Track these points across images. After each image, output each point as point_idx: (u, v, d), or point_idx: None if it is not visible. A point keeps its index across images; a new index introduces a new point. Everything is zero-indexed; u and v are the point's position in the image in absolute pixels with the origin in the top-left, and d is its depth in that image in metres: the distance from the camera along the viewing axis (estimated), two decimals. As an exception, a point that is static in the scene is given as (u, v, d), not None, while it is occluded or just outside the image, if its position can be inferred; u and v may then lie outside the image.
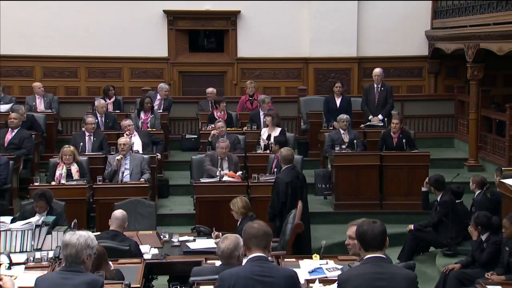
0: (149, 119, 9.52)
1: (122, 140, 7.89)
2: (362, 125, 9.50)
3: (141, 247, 5.39)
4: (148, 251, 5.47)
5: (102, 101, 9.60)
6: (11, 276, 4.20)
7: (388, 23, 11.72)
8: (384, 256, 3.36)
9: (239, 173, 7.72)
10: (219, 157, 7.89)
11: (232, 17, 11.73)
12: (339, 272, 4.42)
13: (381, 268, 3.31)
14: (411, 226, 6.99)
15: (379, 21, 11.72)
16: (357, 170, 8.31)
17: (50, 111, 9.93)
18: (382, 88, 9.61)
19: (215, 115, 9.57)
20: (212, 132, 8.78)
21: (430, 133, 11.05)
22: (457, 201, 7.03)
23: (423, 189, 7.32)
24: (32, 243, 5.39)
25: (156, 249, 5.58)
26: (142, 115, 9.54)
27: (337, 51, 11.62)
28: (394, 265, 3.63)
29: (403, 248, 6.94)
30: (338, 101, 9.68)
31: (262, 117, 9.49)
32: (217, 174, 7.55)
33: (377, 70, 9.69)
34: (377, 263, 3.31)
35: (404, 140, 8.47)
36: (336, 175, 8.38)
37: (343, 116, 8.76)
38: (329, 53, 11.63)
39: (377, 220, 3.41)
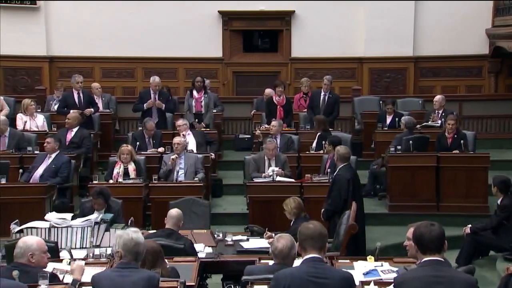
0: (202, 98, 9.62)
1: (177, 139, 8.00)
2: (418, 126, 9.31)
3: (195, 245, 5.44)
4: (202, 250, 5.51)
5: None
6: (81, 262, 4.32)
7: (446, 22, 11.47)
8: (443, 260, 3.28)
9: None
10: (266, 158, 7.91)
11: (286, 17, 11.73)
12: (394, 274, 4.33)
13: (439, 271, 3.23)
14: (468, 228, 6.79)
15: (437, 20, 11.49)
16: (413, 171, 8.15)
17: (108, 111, 10.17)
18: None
19: (274, 99, 9.56)
20: (256, 132, 8.80)
21: (490, 134, 10.72)
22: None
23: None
24: (91, 240, 5.51)
25: (210, 248, 5.62)
26: (195, 93, 9.65)
27: (393, 50, 11.45)
28: (453, 269, 3.54)
29: (461, 251, 6.75)
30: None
31: (322, 97, 9.59)
32: (269, 174, 7.56)
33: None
34: (435, 266, 3.24)
35: (462, 141, 8.26)
36: (391, 176, 8.25)
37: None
38: (384, 52, 11.47)
39: (435, 223, 3.33)
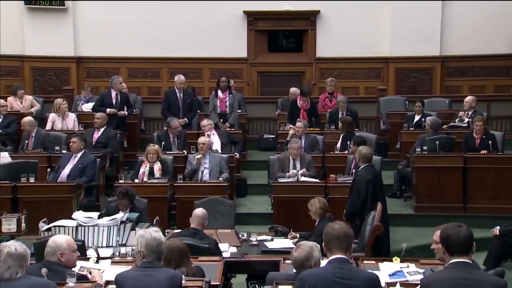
0: (227, 98, 9.64)
1: (202, 139, 8.03)
2: (445, 126, 9.21)
3: (220, 245, 5.45)
4: (227, 250, 5.52)
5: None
6: (99, 270, 4.37)
7: (474, 21, 11.33)
8: (471, 262, 3.24)
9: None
10: (291, 158, 7.89)
11: (311, 17, 11.71)
12: (420, 276, 4.29)
13: (466, 273, 3.19)
14: (497, 230, 6.68)
15: (464, 19, 11.36)
16: (439, 171, 8.07)
17: (134, 110, 10.24)
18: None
19: (298, 103, 9.55)
20: (290, 131, 8.78)
21: (519, 134, 10.55)
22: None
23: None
24: (117, 239, 5.54)
25: (235, 248, 5.61)
26: (220, 93, 9.68)
27: (419, 50, 11.35)
28: (481, 271, 3.49)
29: (489, 253, 6.65)
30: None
31: (341, 115, 9.47)
32: (294, 174, 7.56)
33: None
34: (463, 268, 3.20)
35: (490, 142, 8.14)
36: (417, 176, 8.17)
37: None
38: (411, 52, 11.38)
39: (463, 224, 3.29)
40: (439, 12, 11.34)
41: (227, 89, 9.71)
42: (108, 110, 9.14)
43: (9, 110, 9.53)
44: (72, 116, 9.37)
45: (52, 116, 9.29)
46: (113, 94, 9.46)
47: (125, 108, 9.49)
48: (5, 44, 11.49)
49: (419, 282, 3.50)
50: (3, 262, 3.17)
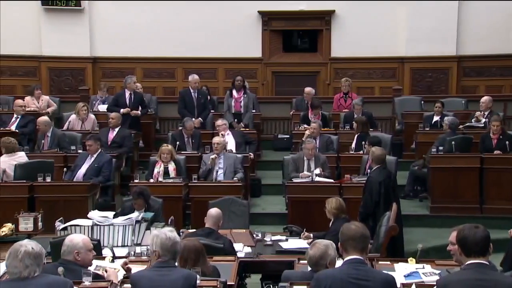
0: (242, 98, 9.65)
1: (216, 139, 8.05)
2: (461, 126, 9.13)
3: (234, 245, 5.46)
4: (241, 250, 5.52)
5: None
6: (114, 269, 4.40)
7: (490, 21, 11.23)
8: (487, 263, 3.21)
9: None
10: (306, 158, 7.87)
11: (326, 17, 11.68)
12: (436, 277, 4.26)
13: (483, 275, 3.16)
14: (513, 231, 6.60)
15: (481, 19, 11.27)
16: (456, 172, 8.01)
17: (148, 110, 10.29)
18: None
19: (309, 116, 9.54)
20: (306, 132, 8.76)
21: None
22: None
23: None
24: (133, 238, 5.57)
25: (249, 248, 5.62)
26: (234, 93, 9.68)
27: (435, 49, 11.27)
28: (498, 273, 3.46)
29: (506, 255, 6.57)
30: None
31: (356, 116, 9.41)
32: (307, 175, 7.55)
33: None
34: (479, 270, 3.17)
35: (507, 142, 8.06)
36: (433, 177, 8.12)
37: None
38: (427, 52, 11.31)
39: (479, 225, 3.26)
40: (456, 11, 11.26)
41: (242, 89, 9.72)
42: (121, 110, 9.20)
43: (26, 110, 9.62)
44: (91, 118, 9.44)
45: (71, 117, 9.38)
46: (127, 94, 9.52)
47: (139, 108, 9.53)
48: (22, 45, 11.64)
49: (435, 283, 3.48)
50: (21, 261, 3.20)
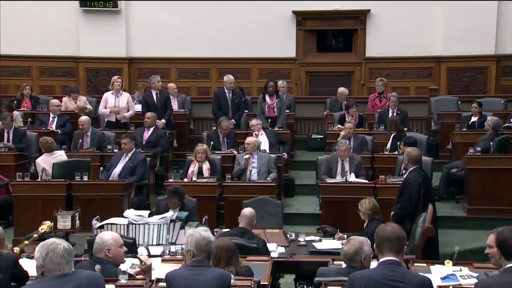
0: (274, 103, 9.65)
1: (248, 139, 8.07)
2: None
3: (268, 245, 5.46)
4: (275, 250, 5.52)
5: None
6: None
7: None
8: (528, 267, 3.14)
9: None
10: (340, 159, 7.83)
11: (361, 16, 11.59)
12: (474, 280, 4.18)
13: (524, 279, 3.09)
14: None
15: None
16: (494, 173, 7.85)
17: (183, 110, 10.39)
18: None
19: (347, 117, 9.46)
20: (341, 133, 8.70)
21: None
22: None
23: None
24: (167, 237, 5.62)
25: (283, 248, 5.61)
26: (267, 99, 9.70)
27: (473, 49, 11.08)
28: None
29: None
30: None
31: (391, 114, 9.35)
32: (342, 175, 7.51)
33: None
34: (519, 274, 3.10)
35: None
36: (470, 178, 7.97)
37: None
38: (464, 51, 11.12)
39: (519, 228, 3.20)
40: (495, 10, 11.05)
41: (274, 94, 9.70)
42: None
43: (63, 110, 9.81)
44: (126, 95, 9.61)
45: (105, 94, 9.60)
46: (154, 94, 9.62)
47: (166, 107, 9.55)
48: (61, 46, 11.87)
49: (473, 286, 3.42)
50: (61, 258, 3.26)
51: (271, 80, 9.94)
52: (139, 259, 4.37)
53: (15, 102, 10.15)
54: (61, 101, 9.86)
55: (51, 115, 9.46)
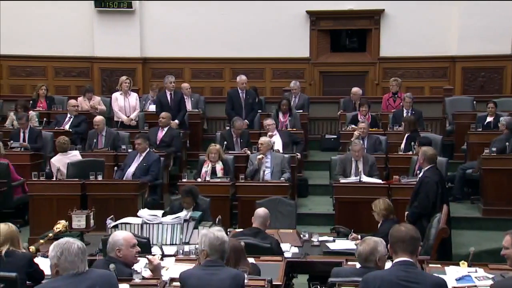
0: (287, 121, 9.63)
1: (261, 139, 8.06)
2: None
3: (281, 245, 5.45)
4: (289, 250, 5.51)
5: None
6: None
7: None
8: (544, 269, 3.10)
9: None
10: (353, 159, 7.80)
11: (375, 16, 11.55)
12: (490, 281, 4.15)
13: (540, 280, 3.06)
14: None
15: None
16: (510, 174, 7.78)
17: (196, 110, 10.41)
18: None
19: (359, 117, 9.43)
20: (355, 133, 8.66)
21: None
22: None
23: None
24: (181, 237, 5.64)
25: (296, 248, 5.61)
26: (280, 116, 9.68)
27: (489, 48, 10.99)
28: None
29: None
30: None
31: (405, 114, 9.30)
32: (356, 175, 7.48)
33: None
34: (536, 275, 3.07)
35: None
36: (485, 178, 7.91)
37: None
38: (479, 51, 11.03)
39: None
40: (511, 10, 10.92)
41: (288, 111, 9.63)
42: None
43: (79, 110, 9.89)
44: (134, 95, 9.67)
45: (114, 95, 9.68)
46: (168, 94, 9.66)
47: (179, 108, 9.58)
48: (76, 46, 11.95)
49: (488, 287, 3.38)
50: (76, 257, 3.29)
51: (285, 98, 9.86)
52: (147, 258, 4.39)
53: (31, 102, 10.23)
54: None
55: (68, 115, 9.53)
